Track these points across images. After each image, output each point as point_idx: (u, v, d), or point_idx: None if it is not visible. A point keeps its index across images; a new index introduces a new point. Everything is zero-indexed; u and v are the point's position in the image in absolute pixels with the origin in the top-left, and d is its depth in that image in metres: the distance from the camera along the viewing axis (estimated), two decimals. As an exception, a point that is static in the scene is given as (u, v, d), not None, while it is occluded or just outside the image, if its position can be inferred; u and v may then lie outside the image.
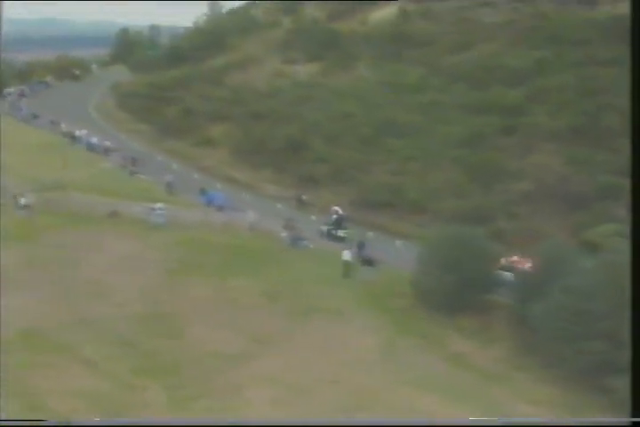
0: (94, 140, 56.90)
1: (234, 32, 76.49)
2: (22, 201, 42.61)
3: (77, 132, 59.10)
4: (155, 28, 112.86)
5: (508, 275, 32.60)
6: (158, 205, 41.03)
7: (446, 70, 53.61)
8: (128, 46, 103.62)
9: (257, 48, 70.29)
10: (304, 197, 44.77)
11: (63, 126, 61.39)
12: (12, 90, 77.05)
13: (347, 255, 35.05)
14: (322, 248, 38.55)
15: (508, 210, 39.85)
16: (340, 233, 40.82)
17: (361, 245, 37.77)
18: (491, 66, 51.95)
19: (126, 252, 37.85)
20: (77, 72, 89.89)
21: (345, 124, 50.25)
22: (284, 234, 38.82)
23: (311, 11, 76.64)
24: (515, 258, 34.79)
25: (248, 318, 31.21)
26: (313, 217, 43.65)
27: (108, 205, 44.28)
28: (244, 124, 56.10)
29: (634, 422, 16.67)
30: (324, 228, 41.24)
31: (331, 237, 40.37)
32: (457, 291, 31.23)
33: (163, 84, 68.58)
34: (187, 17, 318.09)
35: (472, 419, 33.01)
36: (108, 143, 56.07)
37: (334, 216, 41.35)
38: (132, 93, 69.92)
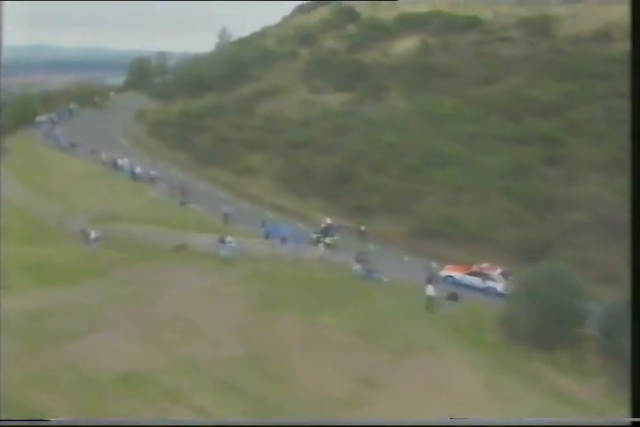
0: (138, 169, 53.97)
1: (253, 61, 73.85)
2: (92, 235, 39.74)
3: (119, 161, 56.18)
4: (162, 55, 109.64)
5: (593, 307, 30.81)
6: (228, 238, 38.44)
7: (478, 101, 51.90)
8: (143, 73, 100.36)
9: (281, 78, 67.92)
10: (363, 228, 42.51)
11: (104, 155, 58.28)
12: (43, 118, 73.66)
13: (430, 290, 32.92)
14: (395, 280, 36.37)
15: (566, 239, 38.08)
16: (328, 240, 41.50)
17: (361, 256, 37.10)
18: (521, 98, 50.41)
19: (203, 287, 35.42)
20: (97, 99, 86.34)
21: (389, 154, 48.26)
22: (356, 267, 36.53)
23: (328, 42, 74.51)
24: (485, 265, 36.94)
25: (347, 358, 28.95)
26: (372, 246, 41.46)
27: (170, 237, 41.88)
28: (284, 152, 53.80)
29: (634, 423, 16.27)
30: (314, 236, 41.69)
31: (319, 244, 40.92)
32: (547, 325, 29.40)
33: (193, 113, 65.88)
34: (187, 43, 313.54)
35: (472, 419, 31.89)
36: (153, 172, 53.23)
37: (323, 225, 42.65)
38: (163, 122, 67.07)
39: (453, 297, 32.82)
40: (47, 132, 67.85)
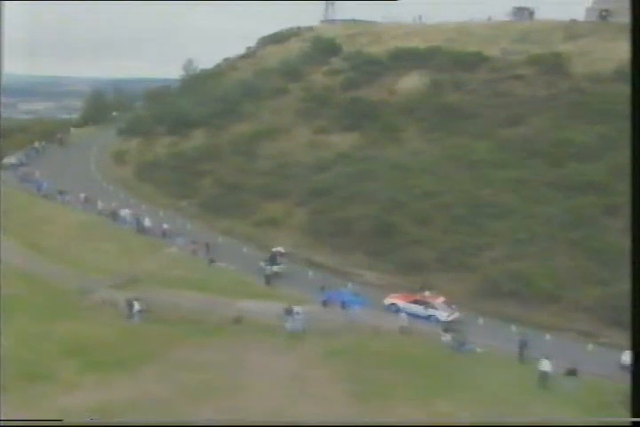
0: (147, 221, 49.24)
1: (239, 97, 70.06)
2: (137, 306, 35.10)
3: (122, 212, 51.26)
4: (118, 88, 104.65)
5: None
6: (296, 308, 34.57)
7: (510, 144, 50.08)
8: (100, 107, 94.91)
9: (277, 116, 64.62)
10: (426, 290, 39.47)
11: (100, 204, 53.15)
12: (12, 160, 67.56)
13: (545, 365, 30.08)
14: (489, 352, 33.41)
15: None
16: (275, 269, 42.36)
17: (449, 325, 34.68)
18: (555, 141, 48.87)
19: (281, 370, 31.34)
20: (60, 136, 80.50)
21: (431, 203, 45.67)
22: (445, 337, 33.39)
23: (317, 77, 71.73)
24: (426, 293, 38.17)
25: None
26: (444, 314, 38.38)
27: (216, 304, 37.72)
28: (306, 201, 50.45)
29: (634, 423, 16.31)
30: (262, 264, 42.44)
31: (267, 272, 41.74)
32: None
33: (187, 154, 61.63)
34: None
35: (472, 419, 29.84)
36: (165, 226, 48.62)
37: (272, 251, 43.97)
38: (152, 164, 62.53)
39: (572, 372, 30.06)
40: (23, 176, 61.87)
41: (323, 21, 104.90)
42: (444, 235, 43.13)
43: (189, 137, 67.21)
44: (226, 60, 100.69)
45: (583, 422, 36.28)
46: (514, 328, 36.21)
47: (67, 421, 20.47)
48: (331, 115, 61.94)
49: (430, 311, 37.21)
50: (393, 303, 38.12)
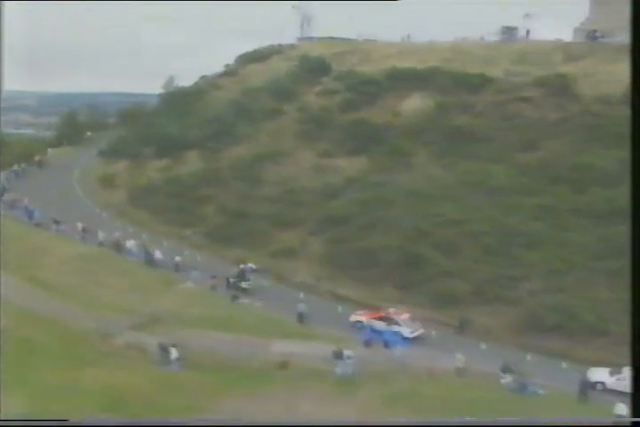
0: (158, 253, 46.83)
1: (230, 117, 68.09)
2: (174, 353, 32.86)
3: (128, 243, 48.71)
4: (92, 106, 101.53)
5: None
6: (347, 352, 32.83)
7: (528, 169, 49.42)
8: (73, 127, 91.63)
9: (275, 139, 63.00)
10: (465, 322, 38.24)
11: (101, 235, 50.46)
12: (-4, 185, 64.41)
13: (621, 409, 28.92)
14: (552, 393, 32.19)
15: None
16: (244, 284, 43.33)
17: (508, 366, 32.97)
18: (575, 166, 48.41)
19: (342, 420, 29.50)
20: (38, 158, 77.21)
21: (457, 232, 44.47)
22: (505, 379, 32.07)
23: (310, 97, 70.35)
24: (391, 310, 38.81)
25: None
26: (483, 346, 37.19)
27: (251, 347, 35.62)
28: (322, 229, 48.91)
29: (634, 422, 16.53)
30: (231, 280, 43.62)
31: (235, 288, 42.89)
32: None
33: (184, 179, 59.35)
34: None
35: (471, 419, 29.26)
36: (178, 258, 46.30)
37: (240, 267, 45.23)
38: (146, 189, 59.98)
39: (647, 417, 28.93)
40: (11, 202, 58.66)
41: (300, 39, 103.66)
42: (475, 266, 41.97)
43: (182, 160, 64.98)
44: (203, 77, 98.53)
45: (583, 422, 36.17)
46: (564, 365, 35.16)
47: (66, 421, 19.69)
48: (333, 137, 60.58)
49: (394, 328, 37.54)
50: (359, 321, 38.65)
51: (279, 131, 64.34)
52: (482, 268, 41.75)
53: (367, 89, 66.33)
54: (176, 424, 21.63)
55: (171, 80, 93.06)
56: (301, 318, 38.80)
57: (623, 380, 31.89)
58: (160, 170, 64.02)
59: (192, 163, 64.17)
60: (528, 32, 73.65)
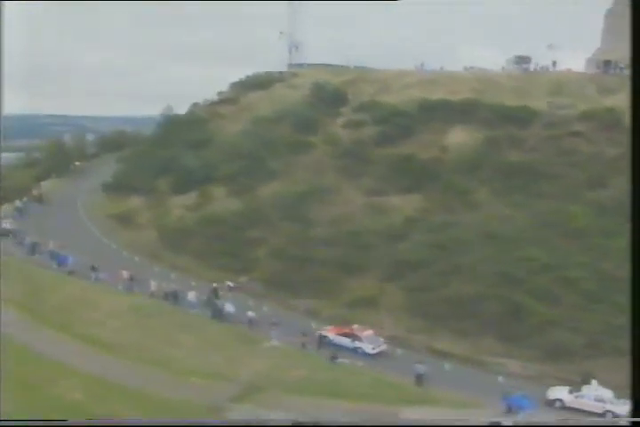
0: (229, 306, 43.09)
1: (252, 149, 64.70)
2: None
3: (190, 294, 44.76)
4: (79, 135, 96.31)
5: None
6: (505, 421, 30.08)
7: (604, 209, 47.89)
8: (61, 157, 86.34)
9: (311, 173, 59.90)
10: (588, 378, 36.13)
11: (154, 284, 46.34)
12: (7, 225, 59.19)
13: None
14: None
15: None
16: (217, 303, 44.33)
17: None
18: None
19: None
20: (36, 192, 72.10)
21: (552, 278, 42.56)
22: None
23: (335, 129, 67.77)
24: (355, 326, 40.82)
25: None
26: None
27: (376, 415, 32.63)
28: (397, 276, 46.27)
29: (634, 423, 17.23)
30: (205, 297, 44.93)
31: (209, 305, 43.71)
32: None
33: (222, 219, 55.70)
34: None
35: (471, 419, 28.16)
36: (251, 313, 42.63)
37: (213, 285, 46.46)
38: (182, 230, 55.95)
39: None
40: (33, 246, 53.79)
41: (290, 65, 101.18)
42: (580, 314, 39.98)
43: (210, 196, 61.19)
44: (195, 105, 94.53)
45: (583, 422, 35.32)
46: None
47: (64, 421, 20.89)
48: (377, 173, 58.13)
49: (357, 344, 39.95)
50: (325, 336, 40.76)
51: (314, 165, 61.42)
52: (589, 317, 39.78)
53: (399, 121, 64.11)
54: (176, 424, 21.58)
55: (169, 109, 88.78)
56: (420, 380, 35.80)
57: (581, 398, 34.51)
58: (188, 208, 60.10)
59: (221, 199, 60.59)
60: (554, 63, 73.11)
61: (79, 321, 44.26)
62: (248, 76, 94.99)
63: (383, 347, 40.27)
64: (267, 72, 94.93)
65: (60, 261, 50.94)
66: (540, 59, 77.21)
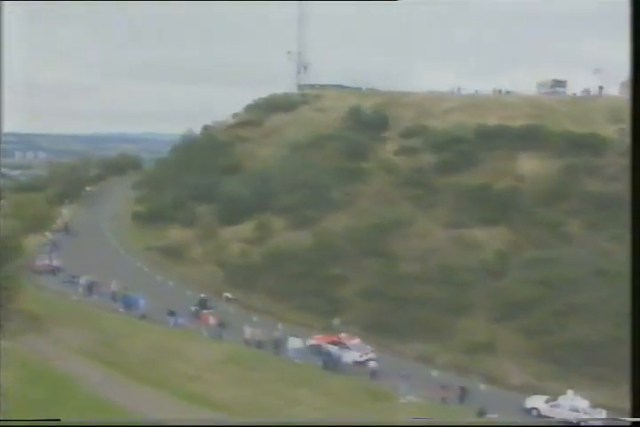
0: (347, 354, 39.49)
1: (303, 177, 61.46)
2: None
3: (292, 341, 40.93)
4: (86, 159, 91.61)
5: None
6: None
7: None
8: (71, 181, 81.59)
9: (377, 204, 57.16)
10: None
11: (248, 332, 42.44)
12: (47, 260, 54.77)
13: None
14: None
15: None
16: (204, 312, 44.97)
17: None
18: None
19: None
20: (62, 222, 67.33)
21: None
22: None
23: (385, 155, 65.18)
24: (342, 335, 41.63)
25: None
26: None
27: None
28: (506, 316, 43.65)
29: (634, 423, 16.66)
30: (193, 308, 45.69)
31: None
32: None
33: (293, 254, 52.26)
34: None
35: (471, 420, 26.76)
36: (373, 363, 39.15)
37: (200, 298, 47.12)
38: (249, 266, 52.22)
39: None
40: (90, 286, 49.31)
41: (300, 86, 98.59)
42: None
43: (267, 228, 57.58)
44: (206, 128, 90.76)
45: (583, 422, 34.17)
46: None
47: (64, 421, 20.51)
48: (450, 203, 55.74)
49: (344, 351, 40.26)
50: (313, 344, 41.47)
51: (376, 195, 58.51)
52: None
53: (458, 148, 61.86)
54: (176, 424, 21.49)
55: (190, 132, 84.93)
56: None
57: (557, 407, 35.60)
58: (248, 241, 56.27)
59: (281, 231, 56.99)
60: (602, 88, 72.22)
61: (172, 375, 39.89)
62: (265, 98, 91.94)
63: (371, 355, 40.29)
64: (286, 93, 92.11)
65: (130, 303, 46.55)
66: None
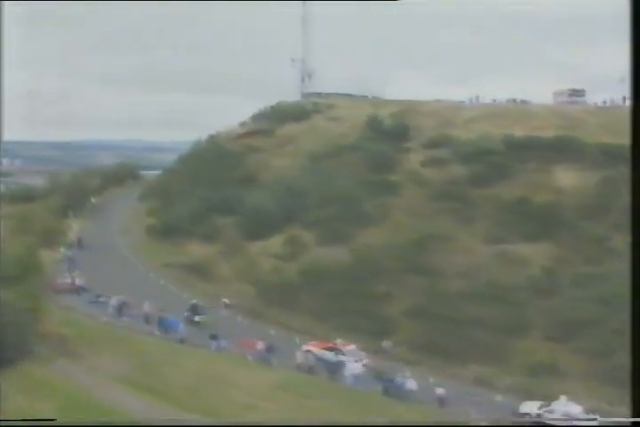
0: (410, 383, 37.67)
1: (330, 189, 59.91)
2: None
3: (349, 367, 39.05)
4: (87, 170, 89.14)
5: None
6: None
7: None
8: (77, 193, 79.02)
9: (413, 218, 55.56)
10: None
11: (300, 356, 40.48)
12: (70, 279, 52.58)
13: None
14: None
15: None
16: (197, 318, 45.43)
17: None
18: None
19: None
20: (75, 237, 64.84)
21: None
22: None
23: (412, 166, 63.71)
24: (339, 341, 41.84)
25: None
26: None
27: None
28: (565, 336, 42.59)
29: (634, 423, 17.04)
30: (185, 314, 45.48)
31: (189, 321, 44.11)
32: None
33: (329, 272, 50.55)
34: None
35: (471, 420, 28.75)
36: (441, 390, 37.34)
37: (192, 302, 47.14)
38: (284, 284, 50.36)
39: None
40: (120, 307, 47.02)
41: (305, 95, 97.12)
42: None
43: (297, 243, 55.74)
44: (212, 136, 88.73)
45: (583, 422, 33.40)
46: None
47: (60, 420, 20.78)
48: (488, 217, 54.31)
49: (340, 357, 40.15)
50: (309, 351, 41.11)
51: (410, 208, 56.99)
52: None
53: (489, 159, 60.59)
54: (176, 424, 21.38)
55: (200, 142, 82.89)
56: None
57: (549, 413, 35.42)
58: (279, 256, 54.51)
59: (312, 246, 55.26)
60: (625, 99, 71.41)
61: (223, 404, 37.85)
62: (272, 107, 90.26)
63: (365, 361, 40.13)
64: (295, 102, 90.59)
65: (167, 326, 44.32)
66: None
